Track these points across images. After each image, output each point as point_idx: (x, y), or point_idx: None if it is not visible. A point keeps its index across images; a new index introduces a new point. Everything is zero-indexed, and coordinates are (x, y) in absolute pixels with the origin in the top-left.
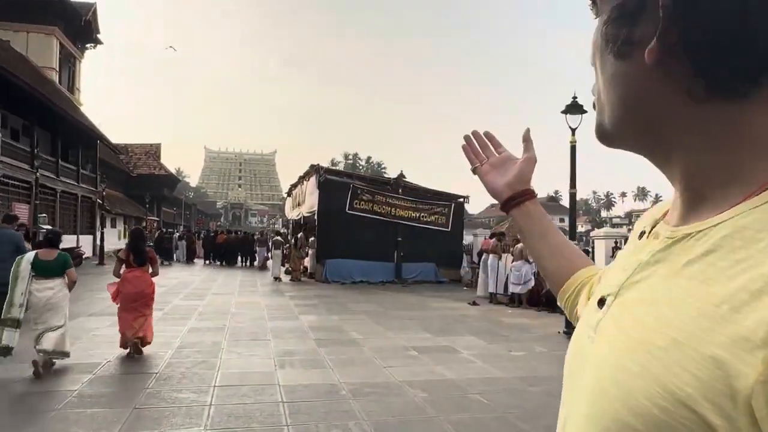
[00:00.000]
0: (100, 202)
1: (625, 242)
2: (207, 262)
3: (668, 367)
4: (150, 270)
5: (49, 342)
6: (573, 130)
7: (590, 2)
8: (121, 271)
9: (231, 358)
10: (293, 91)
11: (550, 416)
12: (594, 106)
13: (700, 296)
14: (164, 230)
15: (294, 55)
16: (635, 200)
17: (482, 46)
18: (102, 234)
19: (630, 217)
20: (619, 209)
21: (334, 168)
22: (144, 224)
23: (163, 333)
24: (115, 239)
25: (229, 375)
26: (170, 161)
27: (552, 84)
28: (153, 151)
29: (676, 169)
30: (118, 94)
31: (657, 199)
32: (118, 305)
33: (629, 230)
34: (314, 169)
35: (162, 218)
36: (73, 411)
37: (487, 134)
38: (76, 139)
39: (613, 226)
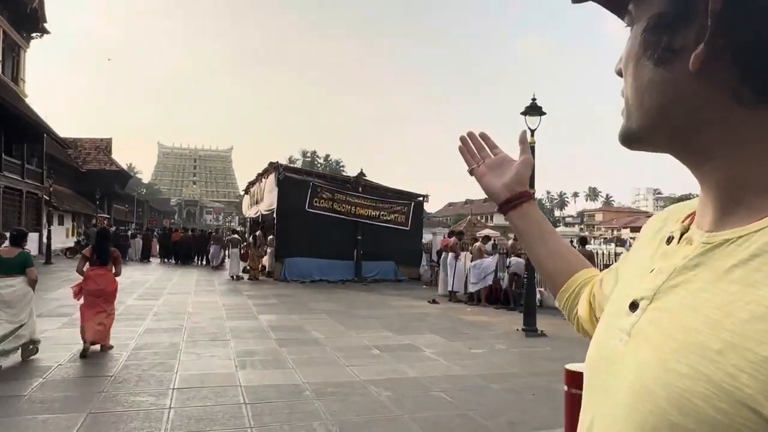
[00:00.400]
0: (47, 198)
1: (582, 242)
2: (164, 260)
3: (723, 368)
4: (113, 269)
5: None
6: (532, 132)
7: (623, 12)
8: (85, 269)
9: (189, 360)
10: (251, 88)
11: (511, 412)
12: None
13: (750, 300)
14: (118, 228)
15: (252, 52)
16: (587, 200)
17: (441, 48)
18: (49, 232)
19: (582, 217)
20: (571, 209)
21: (293, 166)
22: (94, 221)
23: (118, 334)
24: (63, 237)
25: (188, 377)
26: (121, 156)
27: (512, 85)
28: (104, 146)
29: (712, 174)
30: (67, 86)
31: (608, 199)
32: (81, 302)
33: (581, 229)
34: (273, 167)
35: (113, 215)
36: (23, 418)
37: (482, 135)
38: (20, 132)
39: (566, 225)
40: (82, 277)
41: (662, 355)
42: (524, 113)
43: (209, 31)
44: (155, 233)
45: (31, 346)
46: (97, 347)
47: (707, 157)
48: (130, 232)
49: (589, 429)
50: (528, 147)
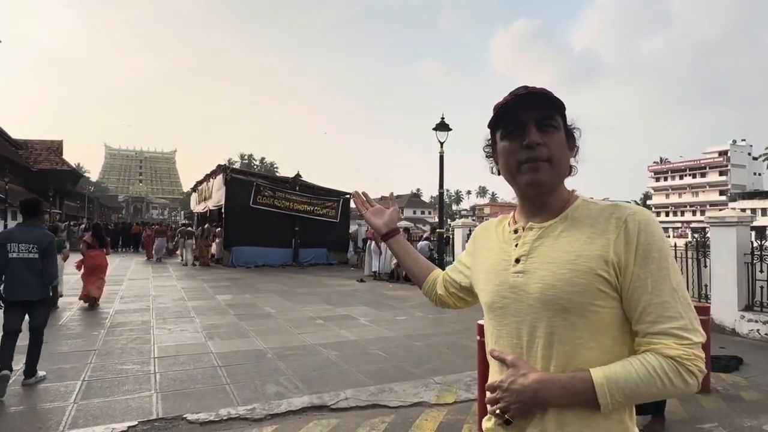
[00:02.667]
0: (2, 196)
1: (470, 232)
2: (121, 250)
3: (580, 264)
4: (105, 251)
5: None
6: (441, 143)
7: (546, 122)
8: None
9: (163, 334)
10: (191, 97)
11: (433, 363)
12: (535, 170)
13: (574, 241)
14: (69, 222)
15: (191, 65)
16: (477, 196)
17: (359, 68)
18: (5, 226)
19: (474, 210)
20: (465, 204)
21: (239, 168)
22: (47, 217)
23: (94, 315)
24: None
25: (165, 348)
26: (70, 157)
27: (422, 103)
28: (55, 147)
29: (547, 197)
30: (18, 91)
31: (494, 196)
32: (82, 272)
33: (474, 220)
34: (221, 168)
35: (65, 211)
36: (22, 388)
37: (364, 193)
38: None
39: (461, 217)
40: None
41: (551, 269)
42: (435, 128)
43: (152, 44)
44: (109, 226)
45: None
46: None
47: (553, 192)
48: (83, 226)
49: (496, 340)
50: (395, 202)
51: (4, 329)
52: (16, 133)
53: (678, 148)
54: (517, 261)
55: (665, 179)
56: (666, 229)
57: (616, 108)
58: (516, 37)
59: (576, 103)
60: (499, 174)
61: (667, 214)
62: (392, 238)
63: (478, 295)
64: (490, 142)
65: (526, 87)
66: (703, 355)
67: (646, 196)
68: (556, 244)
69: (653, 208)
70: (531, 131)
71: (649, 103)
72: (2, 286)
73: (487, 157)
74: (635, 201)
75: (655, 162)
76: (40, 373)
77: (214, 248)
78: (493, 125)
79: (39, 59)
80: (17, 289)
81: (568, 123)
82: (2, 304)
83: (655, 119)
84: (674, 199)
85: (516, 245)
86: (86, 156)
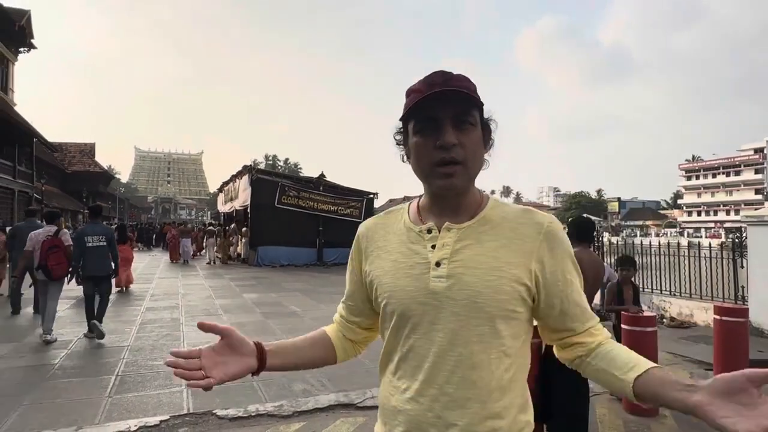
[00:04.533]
0: (38, 197)
1: None
2: (142, 247)
3: (506, 271)
4: (130, 245)
5: None
6: None
7: (462, 119)
8: None
9: (192, 331)
10: (217, 99)
11: None
12: (449, 175)
13: (499, 247)
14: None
15: (216, 69)
16: (501, 196)
17: (379, 69)
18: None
19: None
20: None
21: (264, 168)
22: (80, 217)
23: (124, 313)
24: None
25: (195, 344)
26: (102, 159)
27: None
28: (87, 150)
29: (461, 198)
30: (53, 96)
31: (518, 196)
32: None
33: None
34: (247, 169)
35: None
36: (60, 381)
37: (181, 353)
38: (11, 136)
39: None
40: None
41: (477, 275)
42: None
43: (179, 47)
44: (139, 225)
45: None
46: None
47: (467, 192)
48: (114, 226)
49: (411, 348)
50: (216, 327)
51: (85, 294)
52: (51, 136)
53: (711, 146)
54: (438, 264)
55: (697, 177)
56: (698, 229)
57: (647, 104)
58: (541, 35)
59: (605, 100)
60: (409, 162)
61: (699, 214)
62: (268, 360)
63: (378, 303)
64: (402, 130)
65: (443, 74)
66: None
67: (677, 195)
68: (479, 247)
69: (684, 208)
70: (447, 131)
71: (681, 99)
72: (81, 266)
73: (397, 144)
74: (665, 200)
75: (686, 160)
76: (103, 329)
77: (240, 247)
78: (405, 117)
79: (73, 64)
80: (91, 268)
81: (485, 116)
82: (80, 278)
83: (688, 116)
84: (707, 198)
85: (433, 246)
86: (117, 158)
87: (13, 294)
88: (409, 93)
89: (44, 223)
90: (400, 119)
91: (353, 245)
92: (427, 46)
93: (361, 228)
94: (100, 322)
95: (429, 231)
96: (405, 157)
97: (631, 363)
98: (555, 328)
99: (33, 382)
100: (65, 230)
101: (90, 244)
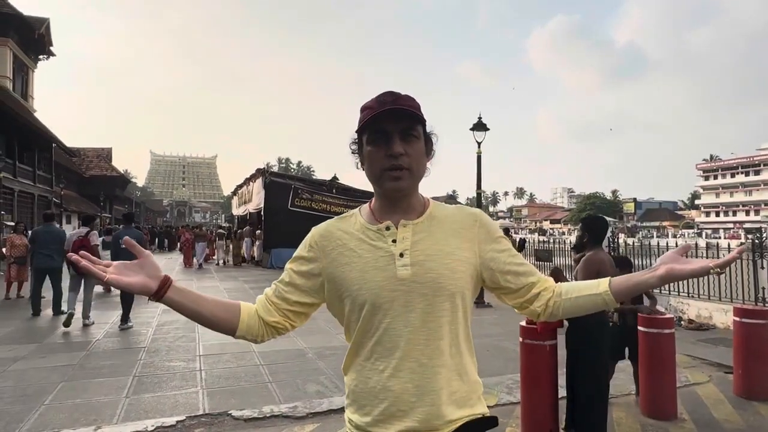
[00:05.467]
0: (57, 200)
1: (504, 232)
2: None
3: (459, 255)
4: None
5: None
6: (479, 144)
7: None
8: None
9: (207, 332)
10: (230, 104)
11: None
12: (397, 178)
13: (448, 236)
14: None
15: (230, 72)
16: (515, 198)
17: (396, 69)
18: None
19: (511, 211)
20: (502, 205)
21: (277, 171)
22: (97, 220)
23: (141, 314)
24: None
25: (209, 346)
26: (118, 163)
27: (456, 105)
28: (104, 154)
29: (409, 199)
30: (71, 101)
31: (532, 197)
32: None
33: (511, 221)
34: (260, 172)
35: (114, 215)
36: (80, 381)
37: (90, 259)
38: (31, 142)
39: (498, 219)
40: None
41: (437, 260)
42: (472, 129)
43: (193, 52)
44: (155, 229)
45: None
46: None
47: (413, 194)
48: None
49: (382, 334)
50: (144, 252)
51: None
52: (69, 141)
53: (730, 145)
54: (401, 255)
55: (715, 177)
56: (716, 230)
57: (663, 103)
58: (554, 34)
59: (620, 99)
60: (363, 169)
61: (717, 214)
62: (169, 290)
63: (344, 298)
64: (357, 140)
65: (392, 94)
66: None
67: (694, 196)
68: (432, 238)
69: (702, 208)
70: (395, 142)
71: (698, 97)
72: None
73: (352, 153)
74: (683, 201)
75: (704, 159)
76: (130, 323)
77: (244, 249)
78: (360, 130)
79: (89, 71)
80: None
81: (428, 130)
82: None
83: (705, 115)
84: (725, 198)
85: (393, 241)
86: (133, 162)
87: (33, 296)
88: (364, 109)
89: (76, 226)
90: (356, 132)
91: (306, 244)
92: (439, 48)
93: (317, 230)
94: (127, 317)
95: (387, 228)
96: (360, 164)
97: (594, 282)
98: (516, 288)
99: (53, 382)
100: (94, 232)
101: (123, 246)
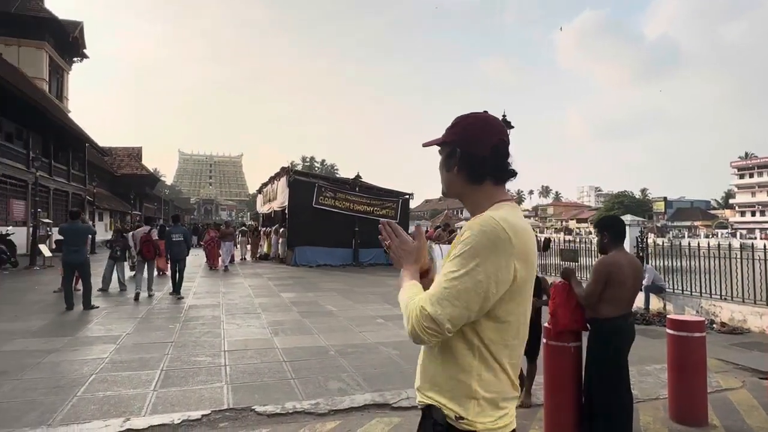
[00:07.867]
0: (90, 198)
1: (539, 231)
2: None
3: None
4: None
5: None
6: None
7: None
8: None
9: (232, 329)
10: (256, 103)
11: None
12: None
13: None
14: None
15: (260, 69)
16: (540, 197)
17: (419, 73)
18: (94, 224)
19: (536, 211)
20: (527, 204)
21: (301, 170)
22: (128, 218)
23: (169, 310)
24: (102, 231)
25: (234, 342)
26: (148, 162)
27: (481, 102)
28: (135, 154)
29: (468, 209)
30: (103, 102)
31: (557, 196)
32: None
33: (537, 220)
34: (285, 171)
35: (144, 212)
36: (110, 374)
37: (389, 223)
38: (65, 142)
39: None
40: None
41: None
42: None
43: (220, 52)
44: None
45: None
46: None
47: (464, 203)
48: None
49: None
50: (422, 235)
51: (171, 269)
52: (101, 141)
53: (766, 143)
54: None
55: (751, 176)
56: (752, 230)
57: (695, 100)
58: (581, 30)
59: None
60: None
61: (753, 214)
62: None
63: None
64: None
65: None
66: (430, 324)
67: (729, 195)
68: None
69: (737, 207)
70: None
71: (732, 93)
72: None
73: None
74: (716, 200)
75: (739, 157)
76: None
77: (265, 246)
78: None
79: (120, 72)
80: (175, 254)
81: (447, 143)
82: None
83: (740, 111)
84: (762, 197)
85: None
86: (162, 161)
87: (66, 291)
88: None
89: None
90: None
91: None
92: (463, 46)
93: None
94: (179, 291)
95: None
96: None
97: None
98: None
99: (85, 374)
100: (155, 229)
101: (174, 239)
